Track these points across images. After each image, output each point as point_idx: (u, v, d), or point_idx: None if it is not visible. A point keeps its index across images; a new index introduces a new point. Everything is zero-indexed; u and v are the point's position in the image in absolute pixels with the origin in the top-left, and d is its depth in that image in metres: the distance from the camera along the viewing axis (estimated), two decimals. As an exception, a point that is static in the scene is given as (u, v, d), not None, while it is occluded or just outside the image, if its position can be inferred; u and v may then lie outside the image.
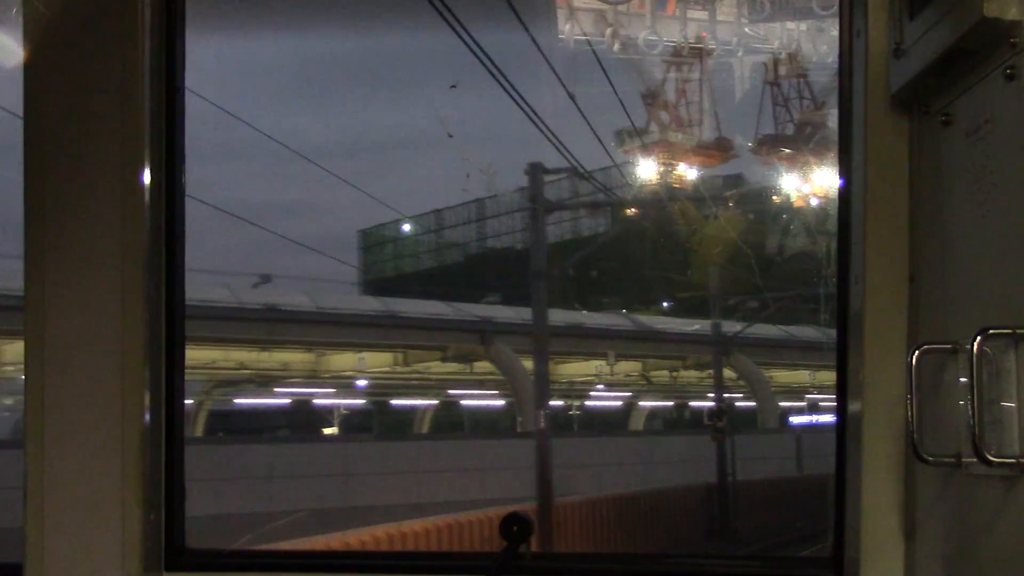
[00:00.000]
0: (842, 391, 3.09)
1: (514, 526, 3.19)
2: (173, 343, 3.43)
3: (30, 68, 3.34)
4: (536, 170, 25.33)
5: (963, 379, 2.46)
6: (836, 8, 3.19)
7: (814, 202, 25.24)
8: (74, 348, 3.31)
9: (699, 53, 23.92)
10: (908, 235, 2.95)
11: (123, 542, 3.29)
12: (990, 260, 2.49)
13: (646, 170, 26.75)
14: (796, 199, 25.71)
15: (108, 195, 3.32)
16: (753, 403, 40.34)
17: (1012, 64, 2.35)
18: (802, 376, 43.52)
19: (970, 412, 2.38)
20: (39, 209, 3.33)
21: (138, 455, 3.31)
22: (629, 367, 42.19)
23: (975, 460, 2.38)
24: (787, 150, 25.76)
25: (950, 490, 2.70)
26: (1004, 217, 2.40)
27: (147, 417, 3.33)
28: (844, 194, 3.09)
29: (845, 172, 3.08)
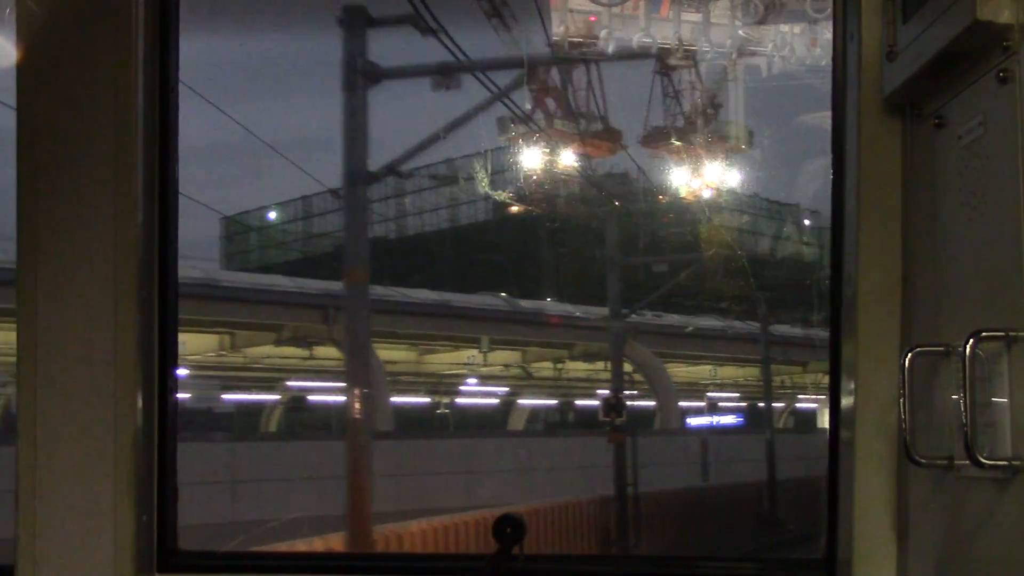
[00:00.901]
0: (835, 393, 3.09)
1: (507, 527, 3.19)
2: (166, 344, 3.42)
3: (24, 67, 3.33)
4: (354, 17, 16.53)
5: (956, 381, 2.46)
6: (830, 11, 3.19)
7: (707, 194, 24.22)
8: (67, 348, 3.31)
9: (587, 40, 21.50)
10: (901, 237, 2.95)
11: (115, 543, 3.28)
12: (983, 262, 2.49)
13: (530, 158, 24.41)
14: (686, 194, 24.51)
15: (101, 194, 3.31)
16: (651, 402, 35.49)
17: (1005, 67, 2.35)
18: (703, 371, 40.22)
19: (962, 414, 2.38)
20: (32, 208, 3.33)
21: (130, 456, 3.30)
22: (506, 357, 36.24)
23: (967, 462, 2.38)
24: (677, 142, 24.69)
25: (942, 492, 2.70)
26: (997, 219, 2.40)
27: (139, 418, 3.32)
28: (837, 196, 3.09)
29: (838, 174, 3.08)
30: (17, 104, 3.35)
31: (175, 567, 3.39)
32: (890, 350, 2.92)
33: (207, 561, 3.57)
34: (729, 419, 40.23)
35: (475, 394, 39.24)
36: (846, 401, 3.04)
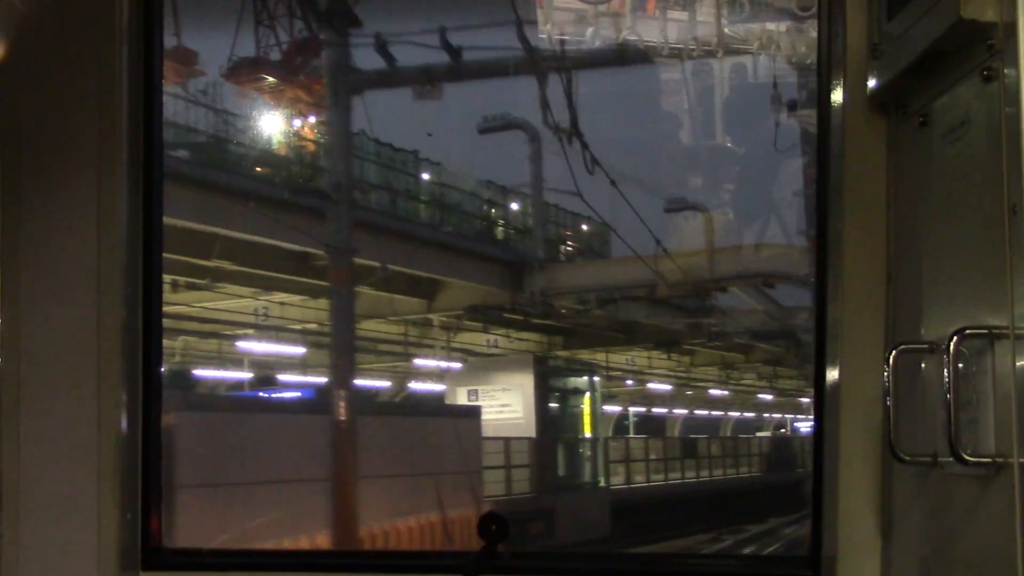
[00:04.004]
0: (820, 390, 3.10)
1: (492, 525, 3.19)
2: (150, 342, 3.41)
3: (6, 67, 3.32)
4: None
5: (940, 379, 2.47)
6: (815, 9, 3.20)
7: (308, 145, 20.91)
8: (50, 347, 3.29)
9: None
10: (886, 235, 2.96)
11: (99, 541, 3.28)
12: (967, 260, 2.50)
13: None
14: (279, 143, 21.04)
15: (85, 195, 3.30)
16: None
17: (989, 65, 2.36)
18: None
19: (946, 412, 2.39)
20: (15, 208, 3.31)
21: (114, 454, 3.29)
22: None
23: (951, 459, 2.39)
24: (271, 79, 20.44)
25: (926, 489, 2.71)
26: (980, 217, 2.41)
27: (123, 416, 3.31)
28: (822, 194, 3.10)
29: (823, 172, 3.09)
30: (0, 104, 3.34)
31: (160, 565, 3.38)
32: (875, 348, 2.93)
33: (192, 559, 3.56)
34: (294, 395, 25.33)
35: None
36: (831, 398, 3.05)
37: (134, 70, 3.35)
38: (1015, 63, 2.23)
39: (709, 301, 27.59)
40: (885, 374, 2.69)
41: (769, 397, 49.77)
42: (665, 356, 35.64)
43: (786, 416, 56.20)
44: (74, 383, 3.29)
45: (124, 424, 3.31)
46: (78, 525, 3.28)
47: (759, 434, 53.45)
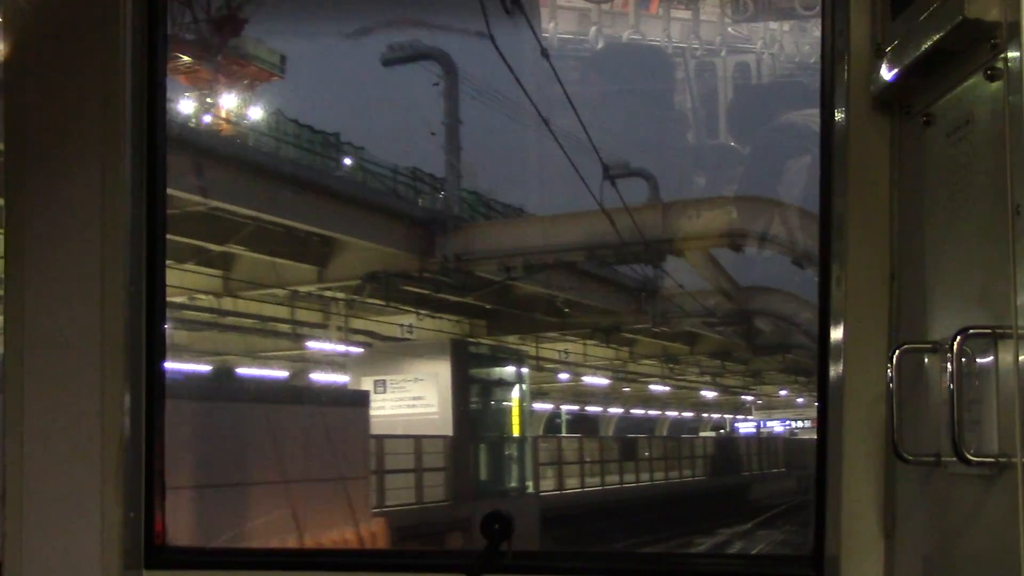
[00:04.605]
0: (823, 390, 3.10)
1: (495, 524, 3.19)
2: (153, 339, 3.41)
3: (10, 61, 3.32)
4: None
5: (943, 378, 2.47)
6: (819, 8, 3.20)
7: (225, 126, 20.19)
8: (54, 344, 3.30)
9: None
10: (889, 235, 2.96)
11: (102, 539, 3.28)
12: (971, 260, 2.50)
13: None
14: (198, 123, 20.41)
15: (89, 189, 3.30)
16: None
17: (993, 65, 2.36)
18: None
19: (950, 411, 2.39)
20: (19, 203, 3.32)
21: (118, 452, 3.29)
22: None
23: (954, 459, 2.39)
24: (186, 58, 19.71)
25: (930, 489, 2.71)
26: (984, 217, 2.41)
27: (127, 414, 3.32)
28: (826, 193, 3.10)
29: (826, 171, 3.09)
30: (4, 100, 3.34)
31: (163, 563, 3.38)
32: (879, 347, 2.93)
33: (195, 557, 3.56)
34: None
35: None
36: (834, 397, 3.05)
37: (138, 66, 3.35)
38: (1019, 62, 2.23)
39: (657, 273, 24.07)
40: (889, 373, 2.69)
41: (713, 394, 47.60)
42: (603, 345, 31.58)
43: (725, 416, 54.46)
44: (77, 380, 3.29)
45: (127, 422, 3.32)
46: (81, 523, 3.28)
47: (703, 434, 50.96)
